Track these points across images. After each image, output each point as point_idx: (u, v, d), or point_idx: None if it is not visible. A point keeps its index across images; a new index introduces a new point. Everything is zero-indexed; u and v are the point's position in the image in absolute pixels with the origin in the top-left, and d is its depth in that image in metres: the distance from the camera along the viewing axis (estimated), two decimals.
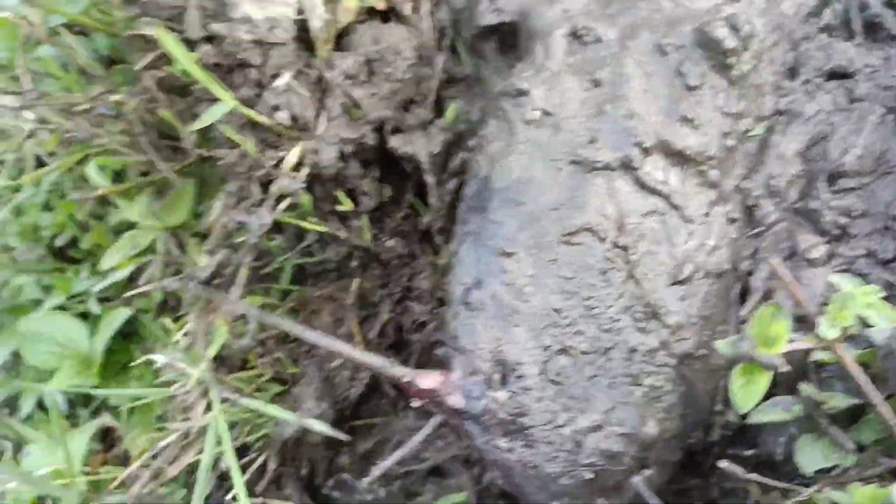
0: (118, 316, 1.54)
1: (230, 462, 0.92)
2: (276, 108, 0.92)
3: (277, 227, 1.13)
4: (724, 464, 0.75)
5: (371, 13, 1.02)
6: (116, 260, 1.20)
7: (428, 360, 1.20)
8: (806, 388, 0.72)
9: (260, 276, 1.19)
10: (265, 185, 0.98)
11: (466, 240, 0.88)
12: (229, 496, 1.26)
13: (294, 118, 0.94)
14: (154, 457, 1.27)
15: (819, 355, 0.72)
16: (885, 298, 0.74)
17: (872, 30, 0.96)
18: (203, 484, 0.94)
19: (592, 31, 0.91)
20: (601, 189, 0.85)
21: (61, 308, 1.62)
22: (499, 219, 0.86)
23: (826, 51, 0.94)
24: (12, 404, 1.69)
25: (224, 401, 0.96)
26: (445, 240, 1.09)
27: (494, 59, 1.05)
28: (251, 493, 1.28)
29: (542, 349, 0.81)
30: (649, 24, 0.91)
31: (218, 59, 0.91)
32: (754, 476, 0.72)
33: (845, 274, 0.82)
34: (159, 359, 1.14)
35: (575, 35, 0.92)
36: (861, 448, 0.74)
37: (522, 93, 0.90)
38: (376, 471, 0.90)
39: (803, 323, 0.79)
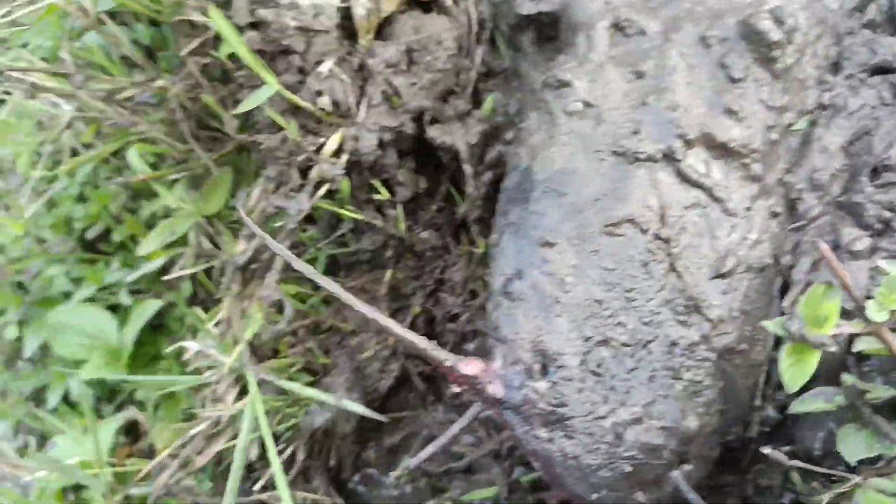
0: (149, 307, 1.56)
1: (267, 442, 0.91)
2: (318, 94, 0.93)
3: (311, 219, 1.14)
4: (767, 449, 0.74)
5: (413, 3, 1.02)
6: (153, 246, 1.21)
7: (459, 353, 1.20)
8: (848, 378, 0.71)
9: (293, 269, 1.20)
10: (304, 171, 0.98)
11: (507, 231, 0.88)
12: (257, 486, 1.26)
13: (336, 104, 0.94)
14: (182, 446, 1.28)
15: (862, 345, 0.72)
16: None
17: None
18: (239, 466, 0.94)
19: (635, 24, 0.91)
20: (644, 181, 0.84)
21: (91, 300, 1.63)
22: (540, 209, 0.86)
23: (870, 46, 0.94)
24: (38, 397, 1.71)
25: (260, 384, 0.96)
26: (481, 231, 1.09)
27: (532, 52, 1.04)
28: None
29: (583, 340, 0.80)
30: (692, 17, 0.90)
31: (262, 46, 0.92)
32: (797, 463, 0.72)
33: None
34: (192, 346, 1.15)
35: (618, 27, 0.92)
36: None
37: (565, 84, 0.90)
38: (413, 461, 0.90)
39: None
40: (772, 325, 0.69)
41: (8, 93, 1.46)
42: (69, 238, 1.69)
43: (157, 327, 1.62)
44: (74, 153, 1.55)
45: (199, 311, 1.38)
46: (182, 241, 1.45)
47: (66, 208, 1.66)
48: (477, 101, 1.09)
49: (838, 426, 0.76)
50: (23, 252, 1.72)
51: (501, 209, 0.92)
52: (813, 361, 0.67)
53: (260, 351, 1.22)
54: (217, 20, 0.81)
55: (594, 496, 0.77)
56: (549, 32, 1.01)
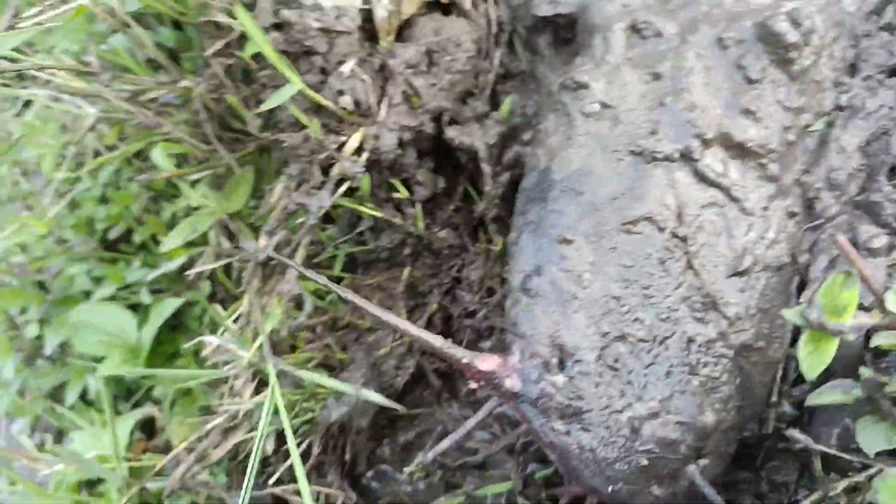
0: (168, 305, 1.58)
1: (286, 432, 0.93)
2: (340, 93, 0.95)
3: (329, 218, 1.16)
4: (791, 431, 0.75)
5: (433, 6, 1.04)
6: (175, 243, 1.23)
7: (476, 351, 1.21)
8: (866, 371, 0.72)
9: (312, 265, 1.22)
10: (325, 169, 1.00)
11: (526, 229, 0.89)
12: (272, 480, 1.28)
13: (357, 103, 0.96)
14: (199, 440, 1.30)
15: (880, 340, 0.72)
16: None
17: None
18: (257, 455, 0.95)
19: (652, 26, 0.92)
20: (661, 180, 0.85)
21: (112, 299, 1.66)
22: (559, 208, 0.87)
23: (888, 48, 0.94)
24: (57, 396, 1.73)
25: (278, 376, 0.98)
26: (498, 229, 1.10)
27: (549, 55, 1.06)
28: (293, 479, 1.29)
29: (601, 335, 0.81)
30: (709, 19, 0.92)
31: (286, 47, 0.94)
32: (820, 447, 0.72)
33: None
34: (211, 340, 1.17)
35: (635, 29, 0.93)
36: None
37: (582, 86, 0.92)
38: (429, 455, 0.91)
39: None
40: (791, 315, 0.70)
41: (31, 98, 1.49)
42: (91, 238, 1.72)
43: (176, 326, 1.64)
44: (97, 155, 1.57)
45: (218, 307, 1.40)
46: (202, 240, 1.47)
47: (88, 209, 1.69)
48: (495, 103, 1.10)
49: (855, 421, 0.76)
50: (45, 252, 1.75)
51: (520, 208, 0.93)
52: (831, 350, 0.68)
53: (278, 347, 1.24)
54: (243, 19, 0.83)
55: (610, 489, 0.78)
56: (566, 35, 1.02)
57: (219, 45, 0.97)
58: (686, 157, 0.86)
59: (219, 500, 1.29)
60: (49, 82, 1.43)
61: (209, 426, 1.26)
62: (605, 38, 0.94)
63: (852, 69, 0.93)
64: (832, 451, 0.75)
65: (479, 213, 1.11)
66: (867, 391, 0.72)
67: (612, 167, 0.87)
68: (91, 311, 1.63)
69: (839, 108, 0.91)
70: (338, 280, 1.21)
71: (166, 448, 1.45)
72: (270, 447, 1.29)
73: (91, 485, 1.53)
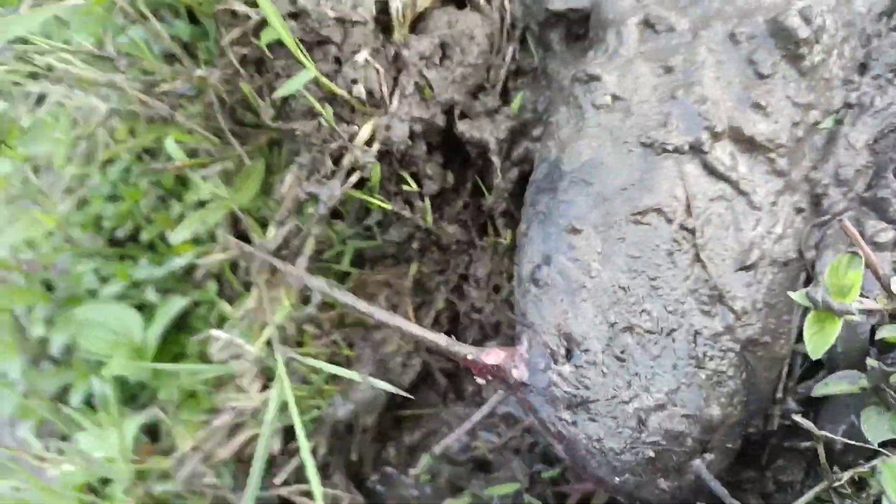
0: (174, 305, 1.58)
1: (294, 422, 0.92)
2: (353, 82, 0.96)
3: (338, 214, 1.16)
4: (798, 417, 0.75)
5: (447, 0, 1.05)
6: (185, 235, 1.23)
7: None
8: (872, 362, 0.71)
9: (320, 261, 1.22)
10: (336, 160, 1.00)
11: (535, 220, 0.90)
12: (278, 480, 1.27)
13: (370, 93, 0.97)
14: (205, 439, 1.29)
15: (885, 332, 0.72)
16: None
17: None
18: (263, 451, 0.95)
19: (665, 20, 0.93)
20: (671, 172, 0.86)
21: (120, 297, 1.66)
22: (568, 198, 0.87)
23: None
24: (62, 398, 1.73)
25: (288, 362, 0.97)
26: (506, 224, 1.10)
27: (561, 50, 1.07)
28: (299, 479, 1.29)
29: (608, 326, 0.81)
30: (722, 15, 0.92)
31: (301, 35, 0.95)
32: (824, 434, 0.72)
33: None
34: (220, 335, 1.17)
35: (648, 24, 0.94)
36: None
37: (594, 78, 0.92)
38: (436, 448, 0.91)
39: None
40: (797, 296, 0.70)
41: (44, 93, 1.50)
42: (98, 236, 1.72)
43: (182, 327, 1.64)
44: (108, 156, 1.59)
45: (225, 304, 1.41)
46: (210, 238, 1.48)
47: (96, 206, 1.69)
48: (506, 99, 1.11)
49: (864, 406, 0.76)
50: (52, 249, 1.75)
51: (530, 200, 0.93)
52: (835, 330, 0.68)
53: (285, 343, 1.24)
54: (263, 4, 0.84)
55: (617, 480, 0.78)
56: (578, 30, 1.03)
57: (235, 33, 0.98)
58: (696, 149, 0.86)
59: (224, 500, 1.28)
60: (62, 79, 1.45)
61: (216, 423, 1.25)
62: (619, 33, 0.95)
63: (862, 68, 0.93)
64: (837, 438, 0.74)
65: (487, 208, 1.11)
66: (873, 381, 0.72)
67: (623, 158, 0.87)
68: (97, 309, 1.63)
69: (848, 105, 0.91)
70: (346, 275, 1.22)
71: (171, 452, 1.44)
72: (277, 446, 1.28)
73: (95, 491, 1.52)
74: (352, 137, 0.98)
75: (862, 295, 0.71)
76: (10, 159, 1.49)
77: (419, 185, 1.09)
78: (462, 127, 1.06)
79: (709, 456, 0.82)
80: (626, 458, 0.78)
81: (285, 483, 1.21)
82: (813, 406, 0.88)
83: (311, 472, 0.93)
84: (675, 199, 0.85)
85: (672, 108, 0.87)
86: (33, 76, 1.41)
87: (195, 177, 1.18)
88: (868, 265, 0.69)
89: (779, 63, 0.88)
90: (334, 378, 1.24)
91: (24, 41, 1.13)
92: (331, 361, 1.26)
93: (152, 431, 1.61)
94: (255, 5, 0.96)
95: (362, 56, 0.95)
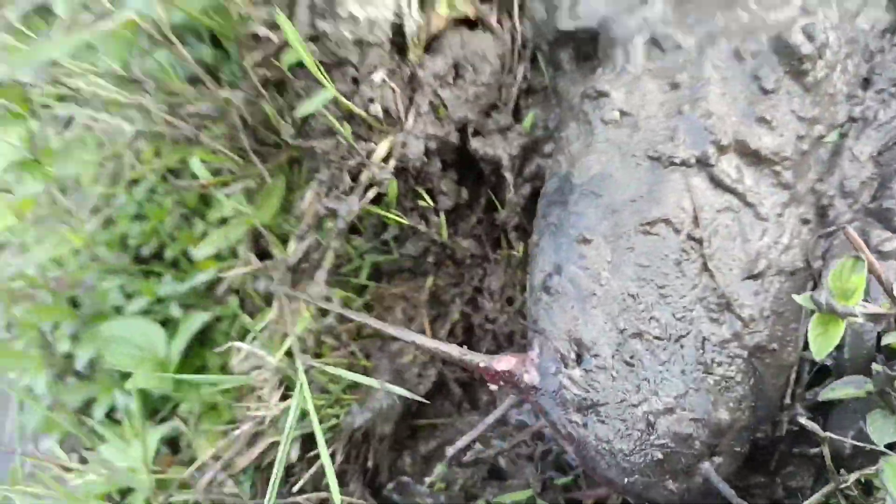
0: (197, 319, 1.62)
1: (315, 429, 0.95)
2: (371, 101, 0.99)
3: (355, 229, 1.20)
4: (803, 419, 0.77)
5: (460, 21, 1.09)
6: (208, 251, 1.27)
7: None
8: (878, 366, 0.73)
9: (339, 275, 1.25)
10: (354, 176, 1.04)
11: (547, 231, 0.93)
12: (296, 487, 1.30)
13: (386, 111, 1.01)
14: (226, 447, 1.32)
15: (890, 339, 0.74)
16: None
17: None
18: (286, 450, 0.98)
19: (672, 38, 0.96)
20: (678, 184, 0.88)
21: (145, 313, 1.70)
22: (579, 210, 0.90)
23: None
24: (85, 412, 1.77)
25: (308, 371, 1.00)
26: (519, 237, 1.13)
27: (571, 70, 1.10)
28: (316, 487, 1.31)
29: (618, 332, 0.84)
30: (727, 33, 0.95)
31: (320, 57, 0.99)
32: (829, 435, 0.74)
33: None
34: (242, 346, 1.20)
35: (655, 42, 0.97)
36: None
37: (603, 94, 0.95)
38: (450, 450, 0.93)
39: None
40: (801, 299, 0.72)
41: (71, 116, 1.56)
42: (124, 254, 1.77)
43: (204, 342, 1.68)
44: (133, 178, 1.64)
45: (246, 319, 1.44)
46: (232, 255, 1.52)
47: (122, 226, 1.74)
48: (518, 117, 1.15)
49: (870, 408, 0.78)
50: (79, 267, 1.80)
51: (541, 212, 0.96)
52: (839, 332, 0.70)
53: (305, 354, 1.27)
54: (285, 27, 0.89)
55: (626, 481, 0.80)
56: (588, 49, 1.06)
57: (258, 56, 1.02)
58: (702, 162, 0.88)
59: None
60: (89, 101, 1.50)
61: (236, 433, 1.28)
62: (626, 51, 0.98)
63: (866, 83, 0.96)
64: (841, 439, 0.76)
65: (501, 222, 1.14)
66: (878, 385, 0.74)
67: (631, 172, 0.90)
68: (122, 325, 1.67)
69: (852, 119, 0.94)
70: (363, 288, 1.25)
71: (192, 463, 1.47)
72: (295, 454, 1.31)
73: (116, 501, 1.55)
74: (369, 154, 1.02)
75: (866, 300, 0.73)
76: (40, 180, 1.54)
77: (434, 200, 1.13)
78: (475, 144, 1.09)
79: (717, 459, 0.84)
80: (634, 459, 0.80)
81: (302, 491, 1.23)
82: (822, 413, 0.90)
83: (331, 477, 0.95)
84: (683, 210, 0.87)
85: (679, 122, 0.90)
86: (61, 98, 1.47)
87: (219, 194, 1.22)
88: (871, 270, 0.71)
89: (783, 78, 0.91)
90: (352, 388, 1.27)
91: (54, 64, 1.18)
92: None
93: (172, 444, 1.65)
94: (276, 28, 1.01)
95: (379, 76, 0.99)
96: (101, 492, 1.51)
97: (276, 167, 1.24)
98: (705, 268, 0.86)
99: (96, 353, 1.75)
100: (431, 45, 1.07)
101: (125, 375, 1.67)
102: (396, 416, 1.22)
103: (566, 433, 0.81)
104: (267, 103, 1.05)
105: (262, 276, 1.31)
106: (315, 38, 1.00)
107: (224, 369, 1.53)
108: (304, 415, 1.25)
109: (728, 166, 0.89)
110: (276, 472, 1.06)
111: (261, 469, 1.36)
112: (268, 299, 1.44)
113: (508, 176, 1.09)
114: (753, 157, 0.90)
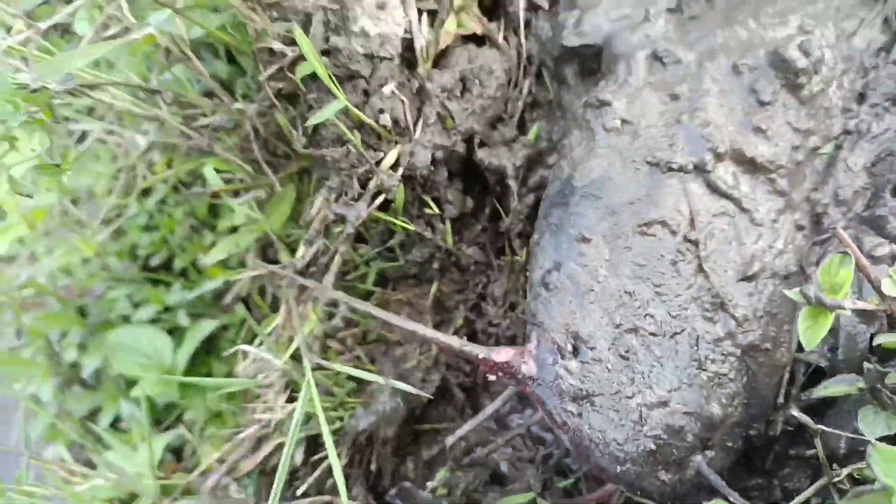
0: (203, 328, 1.65)
1: (322, 427, 0.97)
2: (381, 112, 1.04)
3: (362, 238, 1.23)
4: (795, 412, 0.79)
5: (468, 38, 1.14)
6: (218, 257, 1.31)
7: None
8: (868, 364, 0.76)
9: (345, 281, 1.29)
10: (363, 183, 1.08)
11: (547, 230, 0.96)
12: (300, 491, 1.31)
13: (395, 122, 1.05)
14: (230, 451, 1.34)
15: (881, 339, 0.77)
16: None
17: None
18: (290, 451, 0.99)
19: (672, 54, 1.00)
20: (675, 189, 0.92)
21: (152, 322, 1.73)
22: (579, 211, 0.94)
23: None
24: (91, 420, 1.79)
25: (315, 369, 1.03)
26: (522, 244, 1.17)
27: (575, 84, 1.14)
28: (320, 491, 1.33)
29: (614, 327, 0.87)
30: (726, 49, 0.99)
31: (333, 71, 1.03)
32: (820, 427, 0.76)
33: None
34: (249, 349, 1.23)
35: (656, 57, 1.01)
36: None
37: (605, 103, 0.99)
38: (451, 439, 0.95)
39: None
40: (792, 293, 0.75)
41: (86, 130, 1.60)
42: (133, 264, 1.80)
43: (210, 351, 1.71)
44: (145, 189, 1.68)
45: (253, 322, 1.47)
46: (240, 264, 1.55)
47: (133, 237, 1.78)
48: (523, 130, 1.19)
49: (861, 404, 0.80)
50: (88, 275, 1.83)
51: (543, 213, 0.99)
52: (827, 323, 0.73)
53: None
54: (301, 40, 0.93)
55: (618, 469, 0.82)
56: (592, 65, 1.11)
57: (272, 69, 1.07)
58: (700, 168, 0.92)
59: None
60: (104, 116, 1.55)
61: (241, 436, 1.30)
62: (629, 65, 1.02)
63: (860, 97, 1.00)
64: (835, 432, 0.79)
65: (505, 229, 1.17)
66: (869, 382, 0.76)
67: (630, 176, 0.94)
68: (129, 333, 1.70)
69: (847, 132, 0.98)
70: (369, 294, 1.28)
71: (196, 469, 1.49)
72: (300, 458, 1.33)
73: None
74: (378, 162, 1.06)
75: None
76: (55, 190, 1.58)
77: (440, 208, 1.16)
78: (481, 154, 1.13)
79: (709, 453, 0.86)
80: (627, 448, 0.82)
81: (306, 495, 1.25)
82: (817, 414, 0.92)
83: (339, 477, 0.97)
84: (680, 213, 0.91)
85: (677, 130, 0.94)
86: (78, 111, 1.51)
87: (230, 202, 1.26)
88: (860, 268, 0.74)
89: (779, 91, 0.95)
90: (356, 392, 1.30)
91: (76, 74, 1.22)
92: (352, 377, 1.32)
93: (177, 453, 1.66)
94: (290, 43, 1.05)
95: (389, 88, 1.03)
96: (106, 496, 1.53)
97: (286, 177, 1.29)
98: (700, 268, 0.89)
99: (103, 362, 1.77)
100: (440, 60, 1.12)
101: (131, 384, 1.70)
102: (400, 419, 1.24)
103: (561, 422, 0.83)
104: (280, 114, 1.10)
105: (271, 281, 1.34)
106: (328, 52, 1.04)
107: (229, 377, 1.55)
108: (308, 418, 1.27)
109: (724, 173, 0.93)
110: (281, 475, 1.08)
111: (265, 473, 1.38)
112: (274, 306, 1.47)
113: (513, 185, 1.12)
114: (749, 165, 0.93)
